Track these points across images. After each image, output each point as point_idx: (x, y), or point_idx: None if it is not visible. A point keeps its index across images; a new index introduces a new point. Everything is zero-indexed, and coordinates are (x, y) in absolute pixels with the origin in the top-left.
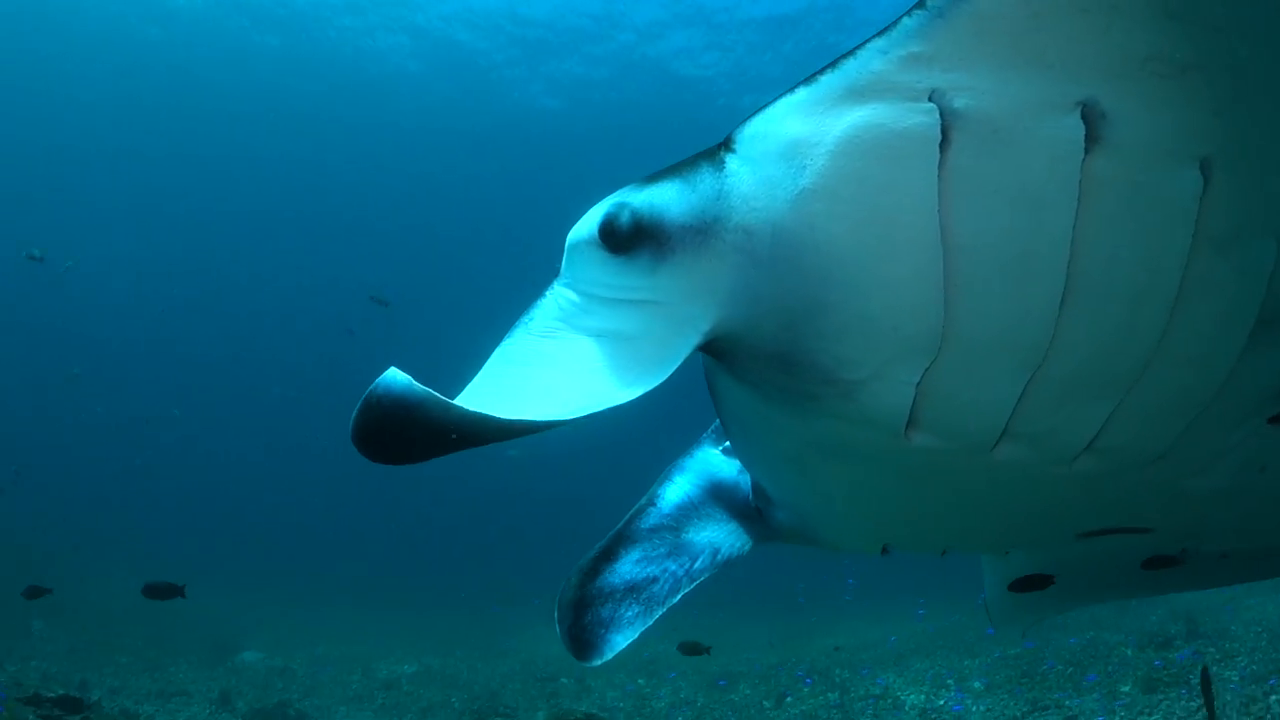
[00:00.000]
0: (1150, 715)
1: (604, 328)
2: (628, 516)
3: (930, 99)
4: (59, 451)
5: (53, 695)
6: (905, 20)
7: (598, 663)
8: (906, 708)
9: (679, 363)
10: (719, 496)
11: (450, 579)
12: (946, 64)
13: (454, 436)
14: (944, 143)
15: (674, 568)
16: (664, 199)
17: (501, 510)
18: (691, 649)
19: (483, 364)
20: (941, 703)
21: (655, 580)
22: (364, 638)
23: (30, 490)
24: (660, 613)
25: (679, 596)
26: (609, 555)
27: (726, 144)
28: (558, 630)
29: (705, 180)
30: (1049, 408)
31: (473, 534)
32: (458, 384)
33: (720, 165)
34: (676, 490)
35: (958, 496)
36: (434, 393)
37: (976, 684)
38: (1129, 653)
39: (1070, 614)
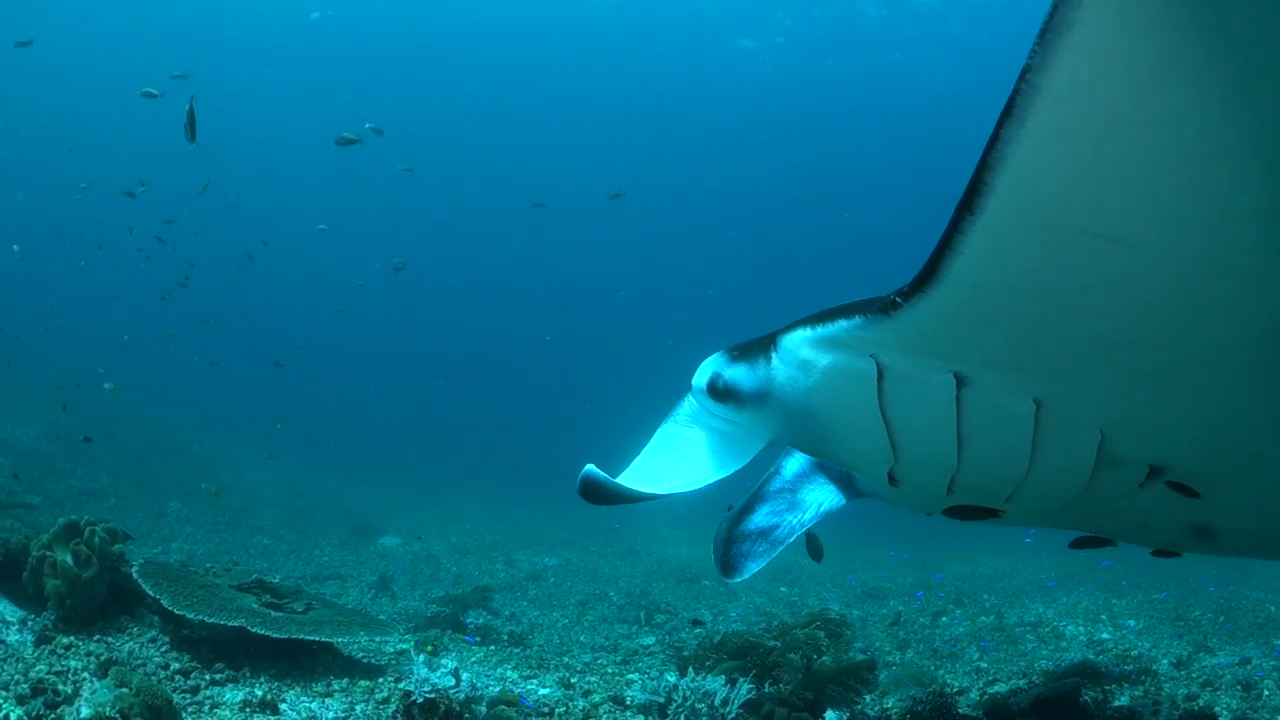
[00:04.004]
0: None
1: (712, 427)
2: (761, 480)
3: (871, 355)
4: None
5: (273, 582)
6: (857, 315)
7: (738, 580)
8: (1068, 637)
9: (752, 457)
10: (823, 467)
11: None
12: (877, 344)
13: (621, 500)
14: (880, 377)
15: (791, 519)
16: (739, 377)
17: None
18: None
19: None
20: (1105, 636)
21: (778, 527)
22: (495, 527)
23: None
24: (781, 549)
25: (794, 537)
26: (748, 509)
27: (774, 344)
28: (712, 558)
29: (761, 370)
30: (971, 487)
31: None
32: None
33: (769, 361)
34: (794, 462)
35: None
36: (609, 479)
37: (1131, 622)
38: (1272, 609)
39: (1210, 567)
